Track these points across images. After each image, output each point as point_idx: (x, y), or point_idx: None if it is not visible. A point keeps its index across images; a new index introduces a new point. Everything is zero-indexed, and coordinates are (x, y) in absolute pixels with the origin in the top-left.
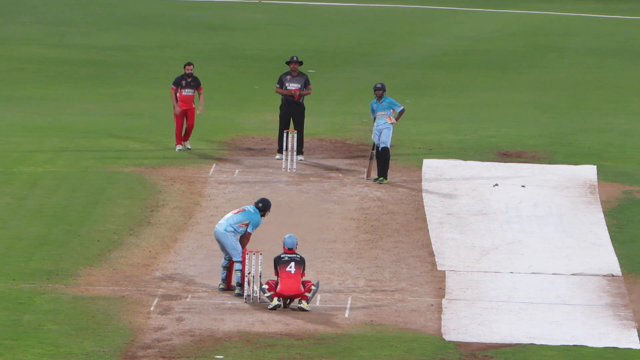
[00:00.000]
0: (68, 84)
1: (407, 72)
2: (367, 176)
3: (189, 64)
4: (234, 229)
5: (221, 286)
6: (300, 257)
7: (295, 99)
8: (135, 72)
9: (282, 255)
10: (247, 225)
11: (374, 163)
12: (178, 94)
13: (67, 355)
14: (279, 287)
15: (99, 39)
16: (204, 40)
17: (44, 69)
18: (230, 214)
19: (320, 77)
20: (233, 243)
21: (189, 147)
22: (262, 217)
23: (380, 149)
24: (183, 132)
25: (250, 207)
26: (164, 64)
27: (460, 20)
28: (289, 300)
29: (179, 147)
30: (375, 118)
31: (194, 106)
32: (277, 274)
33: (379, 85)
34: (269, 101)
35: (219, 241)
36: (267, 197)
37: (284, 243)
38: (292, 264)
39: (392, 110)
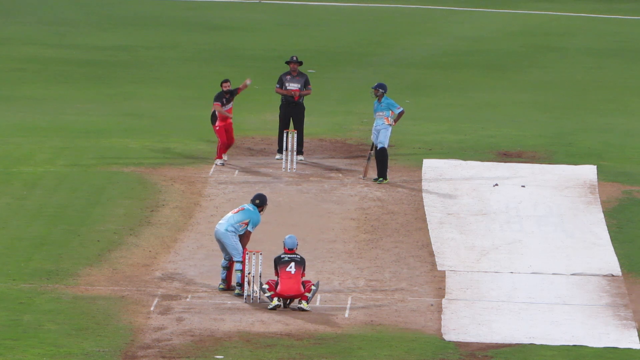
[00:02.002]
0: (68, 84)
1: (407, 72)
2: (364, 175)
3: (226, 81)
4: (235, 229)
5: (221, 286)
6: (301, 257)
7: (295, 99)
8: (135, 72)
9: (282, 256)
10: (247, 224)
11: (372, 163)
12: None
13: (67, 355)
14: (279, 287)
15: (99, 39)
16: (204, 40)
17: (45, 69)
18: (230, 214)
19: (320, 77)
20: (234, 243)
21: (225, 158)
22: (261, 213)
23: (377, 149)
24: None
25: (249, 206)
26: (164, 64)
27: (460, 20)
28: (289, 301)
29: (220, 160)
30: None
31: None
32: (277, 274)
33: (374, 85)
34: (269, 101)
35: (219, 241)
36: (269, 196)
37: (284, 243)
38: (292, 264)
39: (390, 112)
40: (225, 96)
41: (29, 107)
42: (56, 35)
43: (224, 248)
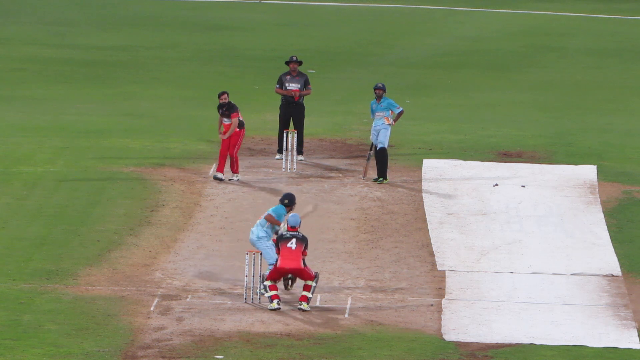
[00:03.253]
0: (68, 84)
1: (407, 72)
2: (364, 176)
3: (222, 93)
4: (266, 233)
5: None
6: (302, 235)
7: (295, 99)
8: (135, 72)
9: (284, 233)
10: (274, 220)
11: (372, 163)
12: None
13: (67, 355)
14: (278, 262)
15: (99, 39)
16: (204, 40)
17: (44, 69)
18: (258, 221)
19: (320, 77)
20: (266, 247)
21: (236, 178)
22: (289, 212)
23: (377, 149)
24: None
25: (276, 208)
26: (164, 64)
27: (460, 20)
28: (290, 281)
29: (218, 174)
30: (374, 118)
31: (236, 131)
32: (278, 251)
33: (380, 85)
34: (269, 101)
35: (254, 246)
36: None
37: (287, 222)
38: (294, 240)
39: (390, 112)
40: (222, 108)
41: (29, 107)
42: (56, 35)
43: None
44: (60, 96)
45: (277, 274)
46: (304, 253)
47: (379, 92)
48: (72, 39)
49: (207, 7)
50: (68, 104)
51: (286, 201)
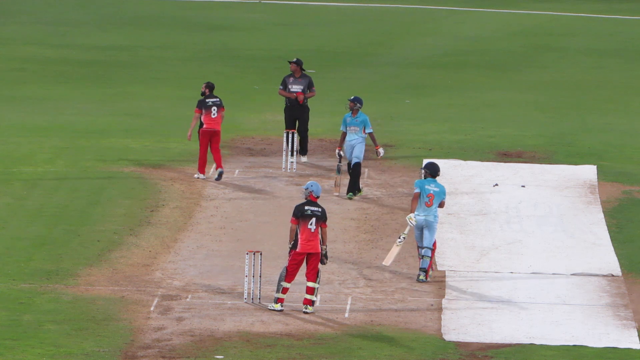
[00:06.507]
0: (68, 84)
1: (407, 72)
2: (338, 192)
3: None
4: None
5: (421, 277)
6: (322, 210)
7: (299, 102)
8: (135, 72)
9: (305, 208)
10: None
11: (344, 176)
12: (202, 117)
13: (67, 355)
14: (299, 247)
15: (99, 39)
16: (204, 40)
17: (44, 69)
18: (424, 207)
19: (320, 77)
20: (435, 232)
21: (214, 173)
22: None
23: (353, 164)
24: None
25: (435, 186)
26: (164, 64)
27: (460, 20)
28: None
29: (199, 175)
30: (346, 132)
31: (218, 129)
32: (296, 223)
33: (354, 98)
34: (269, 101)
35: (421, 229)
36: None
37: (310, 191)
38: (314, 220)
39: (363, 130)
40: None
41: (29, 107)
42: (56, 35)
43: (421, 236)
44: (60, 96)
45: (298, 257)
46: (323, 226)
47: (352, 104)
48: (72, 39)
49: (207, 7)
50: (68, 104)
51: (429, 171)
